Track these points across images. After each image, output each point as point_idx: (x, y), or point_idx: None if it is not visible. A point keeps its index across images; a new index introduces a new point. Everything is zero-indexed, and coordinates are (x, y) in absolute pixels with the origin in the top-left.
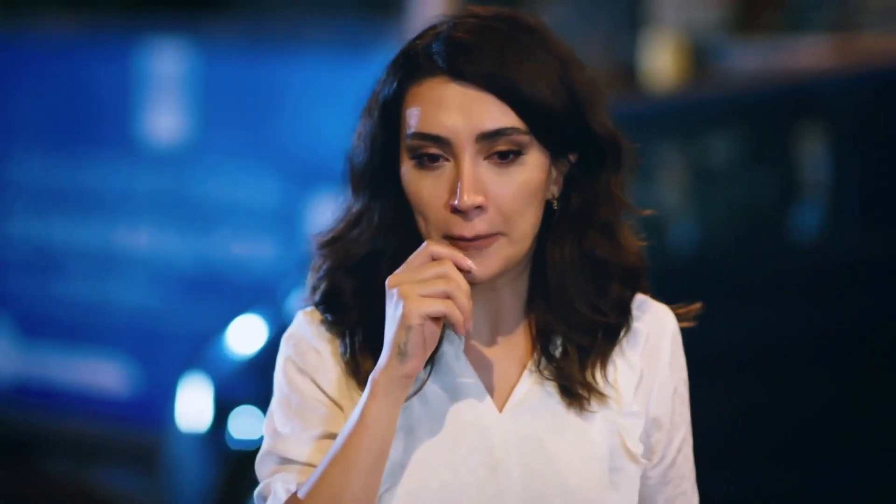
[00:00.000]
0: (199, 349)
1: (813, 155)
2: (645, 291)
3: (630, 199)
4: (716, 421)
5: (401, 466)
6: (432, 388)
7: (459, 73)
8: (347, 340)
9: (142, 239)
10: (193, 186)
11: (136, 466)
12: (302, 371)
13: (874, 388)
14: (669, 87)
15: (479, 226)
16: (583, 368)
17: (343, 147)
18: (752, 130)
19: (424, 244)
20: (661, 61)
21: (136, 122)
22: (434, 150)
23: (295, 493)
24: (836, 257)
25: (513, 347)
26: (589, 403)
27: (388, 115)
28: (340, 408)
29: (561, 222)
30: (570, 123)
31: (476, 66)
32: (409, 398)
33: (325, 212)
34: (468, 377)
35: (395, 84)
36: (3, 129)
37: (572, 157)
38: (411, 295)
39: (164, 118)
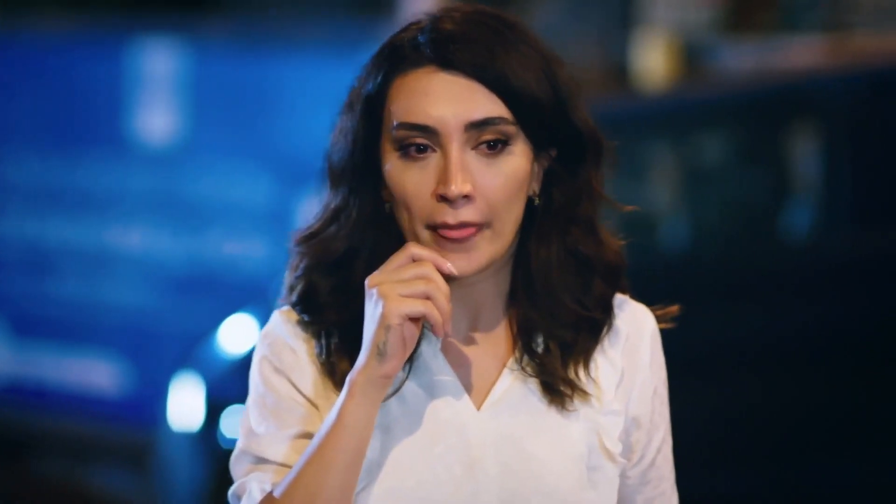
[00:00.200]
0: (191, 348)
1: (805, 155)
2: (624, 291)
3: (611, 196)
4: (708, 420)
5: (377, 465)
6: (410, 386)
7: (448, 63)
8: (323, 341)
9: (134, 238)
10: (186, 186)
11: (129, 465)
12: (278, 370)
13: (867, 387)
14: (661, 86)
15: (464, 213)
16: (565, 365)
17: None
18: (744, 130)
19: (405, 245)
20: (652, 61)
21: (128, 121)
22: (421, 141)
23: (270, 493)
24: (829, 257)
25: (492, 345)
26: (571, 401)
27: (371, 108)
28: (316, 407)
29: (545, 219)
30: (554, 117)
31: (465, 55)
32: (387, 399)
33: (315, 211)
34: (445, 375)
35: (379, 77)
36: None
37: (553, 153)
38: (391, 295)
39: (157, 118)
